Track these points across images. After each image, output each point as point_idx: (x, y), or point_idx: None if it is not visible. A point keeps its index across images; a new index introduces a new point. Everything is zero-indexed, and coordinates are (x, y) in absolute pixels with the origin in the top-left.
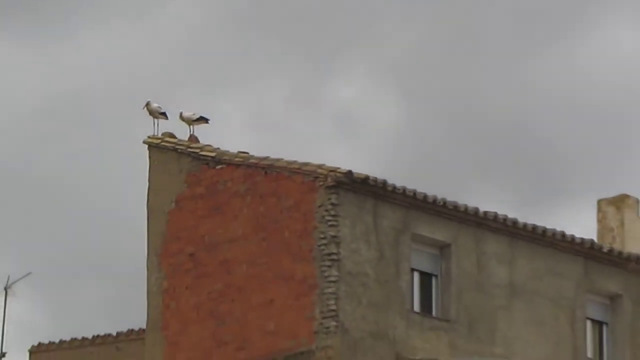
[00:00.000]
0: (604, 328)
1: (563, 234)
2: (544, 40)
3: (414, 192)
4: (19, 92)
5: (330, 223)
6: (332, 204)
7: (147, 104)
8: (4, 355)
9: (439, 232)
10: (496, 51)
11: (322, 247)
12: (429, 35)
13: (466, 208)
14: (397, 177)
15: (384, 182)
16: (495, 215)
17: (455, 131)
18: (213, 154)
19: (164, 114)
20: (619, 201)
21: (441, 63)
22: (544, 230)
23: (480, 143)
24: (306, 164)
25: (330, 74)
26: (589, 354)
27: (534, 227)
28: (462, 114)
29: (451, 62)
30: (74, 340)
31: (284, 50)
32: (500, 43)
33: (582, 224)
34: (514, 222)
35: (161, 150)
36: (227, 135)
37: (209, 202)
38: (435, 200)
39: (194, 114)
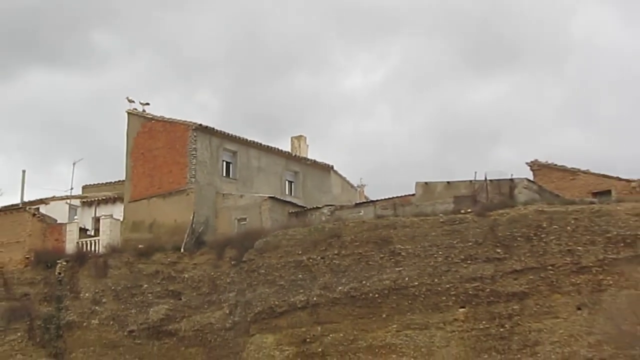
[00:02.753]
0: (292, 184)
1: (278, 149)
2: None
3: (225, 132)
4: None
5: (193, 144)
6: (195, 136)
7: (127, 97)
8: (72, 188)
9: (232, 146)
10: None
11: (191, 152)
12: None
13: (245, 138)
14: (222, 126)
15: (214, 128)
16: (254, 141)
17: (239, 108)
18: (151, 116)
19: (132, 101)
20: (299, 137)
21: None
22: (271, 147)
23: (250, 110)
24: (185, 121)
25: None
26: (287, 193)
27: (269, 146)
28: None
29: None
30: (103, 183)
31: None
32: None
33: (285, 145)
34: (261, 143)
35: (132, 115)
36: (157, 109)
37: (149, 135)
38: (232, 135)
39: (144, 101)
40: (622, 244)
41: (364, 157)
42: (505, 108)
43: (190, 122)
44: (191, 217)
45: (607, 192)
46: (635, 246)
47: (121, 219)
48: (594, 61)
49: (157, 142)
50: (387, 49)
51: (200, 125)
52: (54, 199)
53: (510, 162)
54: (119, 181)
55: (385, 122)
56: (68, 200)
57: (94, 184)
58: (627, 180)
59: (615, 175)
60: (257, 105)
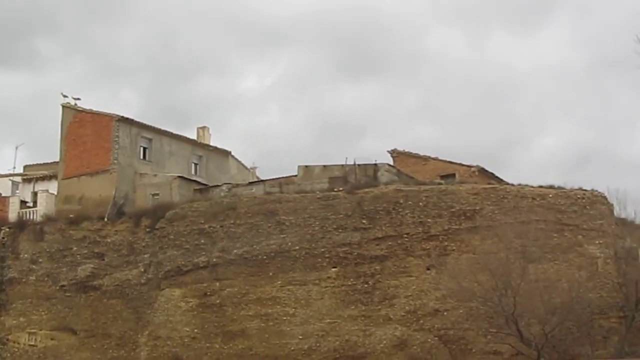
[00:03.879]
0: (197, 166)
1: (186, 137)
2: None
3: (143, 123)
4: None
5: (116, 132)
6: (117, 126)
7: (62, 93)
8: (15, 167)
9: (148, 134)
10: None
11: (114, 139)
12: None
13: (159, 128)
14: (141, 118)
15: (133, 119)
16: (166, 130)
17: (155, 104)
18: (81, 109)
19: (66, 96)
20: (203, 128)
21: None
22: (180, 135)
23: (165, 106)
24: (109, 113)
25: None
26: (193, 173)
27: (178, 134)
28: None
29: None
30: (41, 163)
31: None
32: None
33: (192, 134)
34: (172, 132)
35: (66, 108)
36: (88, 103)
37: (79, 123)
38: (148, 125)
39: (76, 97)
40: (463, 217)
41: (256, 145)
42: (371, 107)
43: (114, 114)
44: (113, 192)
45: (452, 175)
46: (474, 219)
47: (55, 193)
48: (443, 70)
49: (86, 130)
50: (276, 58)
51: (122, 117)
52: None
53: (375, 151)
54: (54, 162)
55: (274, 117)
56: (11, 178)
57: (34, 164)
58: (468, 166)
59: (459, 162)
60: (170, 102)
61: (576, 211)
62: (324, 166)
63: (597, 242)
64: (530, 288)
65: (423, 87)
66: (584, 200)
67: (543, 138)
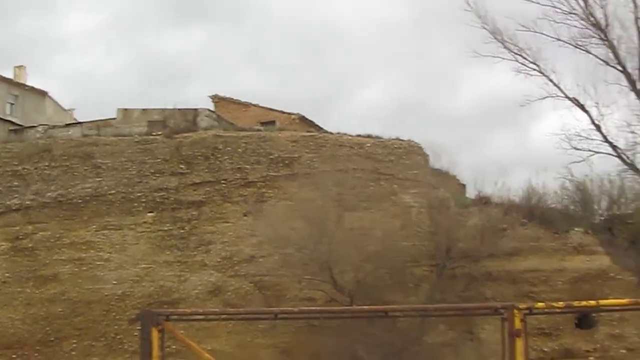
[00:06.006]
0: (13, 106)
1: (1, 75)
2: None
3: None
4: None
5: None
6: None
7: None
8: None
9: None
10: None
11: None
12: None
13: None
14: None
15: None
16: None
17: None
18: None
19: None
20: (20, 67)
21: None
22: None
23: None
24: None
25: None
26: (8, 113)
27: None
28: None
29: None
30: None
31: None
32: None
33: (8, 74)
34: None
35: None
36: None
37: None
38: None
39: None
40: (281, 164)
41: (78, 86)
42: (197, 53)
43: None
44: None
45: (272, 122)
46: (292, 166)
47: None
48: (270, 19)
49: None
50: None
51: None
52: None
53: (200, 97)
54: None
55: (98, 59)
56: None
57: None
58: (289, 114)
59: (279, 109)
60: None
61: (392, 161)
62: (143, 110)
63: (411, 191)
64: (346, 236)
65: (248, 36)
66: (400, 150)
67: (366, 90)
